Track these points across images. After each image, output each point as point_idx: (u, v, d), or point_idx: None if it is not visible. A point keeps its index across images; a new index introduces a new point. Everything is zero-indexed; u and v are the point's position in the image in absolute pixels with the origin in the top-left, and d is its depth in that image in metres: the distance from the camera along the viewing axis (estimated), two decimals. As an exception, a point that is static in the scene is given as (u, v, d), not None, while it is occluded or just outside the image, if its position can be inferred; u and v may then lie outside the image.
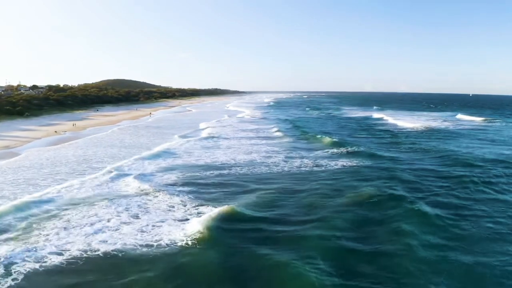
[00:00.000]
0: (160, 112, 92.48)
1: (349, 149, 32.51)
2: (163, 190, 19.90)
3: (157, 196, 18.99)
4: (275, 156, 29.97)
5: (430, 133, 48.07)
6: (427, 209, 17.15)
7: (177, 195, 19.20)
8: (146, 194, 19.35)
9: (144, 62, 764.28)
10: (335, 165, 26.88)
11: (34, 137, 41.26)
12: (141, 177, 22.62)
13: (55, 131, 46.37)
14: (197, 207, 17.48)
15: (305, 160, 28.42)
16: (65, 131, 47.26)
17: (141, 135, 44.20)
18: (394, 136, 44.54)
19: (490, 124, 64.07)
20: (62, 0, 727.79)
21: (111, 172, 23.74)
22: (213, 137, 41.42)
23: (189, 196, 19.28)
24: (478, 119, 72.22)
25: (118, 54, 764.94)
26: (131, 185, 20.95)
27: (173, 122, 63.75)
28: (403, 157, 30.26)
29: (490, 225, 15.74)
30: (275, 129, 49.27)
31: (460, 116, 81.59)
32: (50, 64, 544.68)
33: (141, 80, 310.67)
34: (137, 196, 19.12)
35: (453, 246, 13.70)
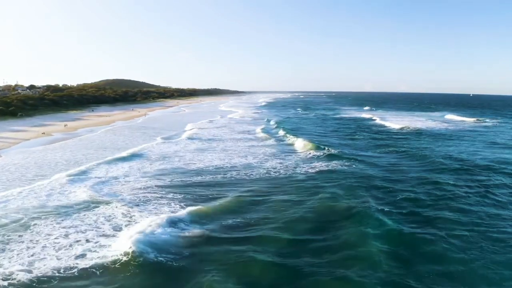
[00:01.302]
0: (155, 112, 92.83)
1: (328, 151, 31.82)
2: (113, 200, 18.81)
3: (107, 205, 17.95)
4: (251, 159, 29.76)
5: (415, 134, 48.21)
6: (401, 227, 15.53)
7: (130, 204, 18.30)
8: (98, 203, 18.21)
9: (144, 62, 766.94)
10: (309, 170, 26.10)
11: (23, 138, 41.37)
12: (96, 185, 21.57)
13: (43, 133, 46.38)
14: (142, 216, 16.57)
15: (279, 165, 28.05)
16: (56, 132, 47.25)
17: (127, 136, 44.68)
18: (377, 138, 44.59)
19: (480, 124, 64.58)
20: (62, 0, 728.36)
21: (68, 177, 22.98)
22: (194, 138, 41.78)
23: (141, 204, 18.33)
24: (468, 120, 72.91)
25: (118, 54, 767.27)
26: (83, 193, 19.89)
27: (163, 123, 64.20)
28: (382, 162, 29.21)
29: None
30: (260, 130, 49.82)
31: (449, 116, 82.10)
32: (50, 64, 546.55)
33: (141, 80, 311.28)
34: (85, 206, 17.97)
35: (428, 277, 11.78)
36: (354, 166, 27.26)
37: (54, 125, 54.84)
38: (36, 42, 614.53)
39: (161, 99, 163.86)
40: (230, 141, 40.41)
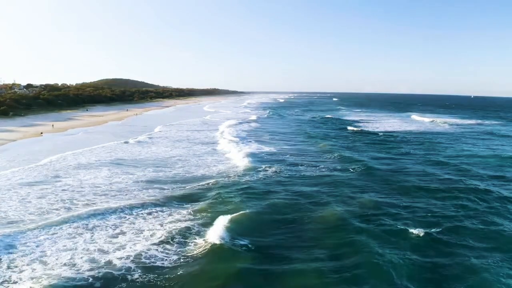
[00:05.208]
0: (149, 113, 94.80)
1: (257, 161, 31.94)
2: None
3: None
4: (178, 167, 29.60)
5: (364, 135, 52.11)
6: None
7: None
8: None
9: (145, 62, 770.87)
10: (218, 180, 25.60)
11: (10, 139, 41.79)
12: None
13: (33, 133, 46.87)
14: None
15: (213, 169, 29.20)
16: (44, 133, 47.74)
17: (102, 137, 46.91)
18: (330, 139, 47.90)
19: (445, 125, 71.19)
20: (63, 0, 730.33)
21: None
22: (153, 138, 45.98)
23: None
24: (437, 120, 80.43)
25: (119, 54, 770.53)
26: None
27: (140, 124, 65.12)
28: (306, 173, 28.32)
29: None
30: (219, 133, 52.57)
31: (414, 117, 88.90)
32: (51, 64, 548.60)
33: (141, 80, 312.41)
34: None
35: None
36: (274, 178, 26.56)
37: (44, 125, 55.39)
38: (36, 41, 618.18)
39: (159, 99, 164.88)
40: (179, 142, 43.20)
